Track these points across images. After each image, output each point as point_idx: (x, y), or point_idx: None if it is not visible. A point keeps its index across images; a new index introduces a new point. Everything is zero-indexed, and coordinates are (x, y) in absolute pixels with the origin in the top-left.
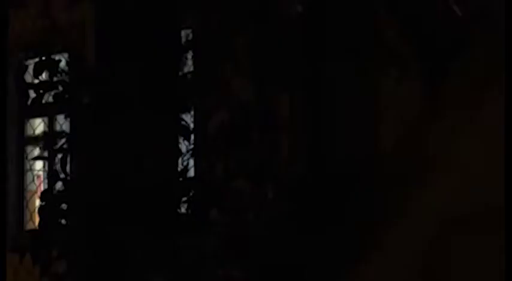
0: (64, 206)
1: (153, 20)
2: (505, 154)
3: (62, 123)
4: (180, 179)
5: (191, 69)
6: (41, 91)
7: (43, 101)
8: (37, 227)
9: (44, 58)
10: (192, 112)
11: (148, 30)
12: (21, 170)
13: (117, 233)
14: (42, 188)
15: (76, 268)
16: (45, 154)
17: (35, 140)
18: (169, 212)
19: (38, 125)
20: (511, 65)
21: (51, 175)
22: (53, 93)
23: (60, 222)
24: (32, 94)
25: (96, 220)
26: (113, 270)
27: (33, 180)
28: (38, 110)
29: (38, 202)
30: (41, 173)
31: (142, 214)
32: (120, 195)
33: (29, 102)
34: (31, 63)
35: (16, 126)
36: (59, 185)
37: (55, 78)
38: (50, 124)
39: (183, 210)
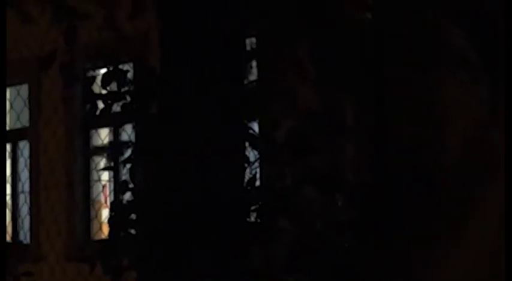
0: (133, 216)
1: (217, 28)
2: (505, 154)
3: (130, 133)
4: (249, 187)
5: (255, 77)
6: (109, 101)
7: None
8: (106, 237)
9: (111, 69)
10: (257, 121)
11: (213, 39)
12: (88, 181)
13: (186, 242)
14: (108, 198)
15: (146, 278)
16: (111, 164)
17: (101, 150)
18: (238, 221)
19: (106, 136)
20: (511, 66)
21: (121, 185)
22: (121, 103)
23: (130, 232)
24: (101, 105)
25: (165, 230)
26: (182, 279)
27: (102, 190)
28: (105, 120)
29: (104, 212)
30: (107, 183)
31: (211, 223)
32: (189, 204)
33: (98, 112)
34: (99, 74)
35: (81, 137)
36: (128, 195)
37: (123, 89)
38: (115, 134)
39: (252, 219)
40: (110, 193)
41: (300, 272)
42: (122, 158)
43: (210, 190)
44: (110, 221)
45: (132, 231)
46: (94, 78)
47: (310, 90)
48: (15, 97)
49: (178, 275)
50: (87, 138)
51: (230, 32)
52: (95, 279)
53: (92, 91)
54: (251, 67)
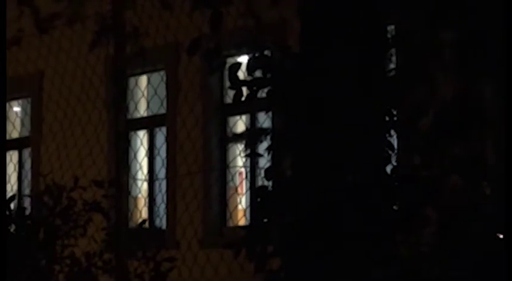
0: (278, 202)
1: (358, 15)
2: (506, 153)
3: (267, 120)
4: (394, 175)
5: (395, 65)
6: (254, 88)
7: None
8: (243, 224)
9: (257, 55)
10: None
11: (354, 25)
12: (223, 168)
13: (332, 230)
14: (244, 185)
15: (290, 265)
16: (249, 151)
17: (239, 137)
18: (384, 209)
19: (253, 122)
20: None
21: (267, 172)
22: (266, 90)
23: (275, 218)
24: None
25: (311, 217)
26: (327, 266)
27: (237, 177)
28: (243, 106)
29: (239, 199)
30: (242, 169)
31: (356, 211)
32: (334, 191)
33: (243, 99)
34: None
35: (217, 124)
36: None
37: (268, 75)
38: (252, 121)
39: (397, 207)
40: (246, 179)
41: (446, 261)
42: (260, 145)
43: (355, 177)
44: (255, 207)
45: (277, 218)
46: (240, 64)
47: (452, 77)
48: (159, 83)
49: (323, 263)
50: (224, 124)
51: (371, 19)
52: (239, 265)
53: (237, 77)
54: (391, 54)
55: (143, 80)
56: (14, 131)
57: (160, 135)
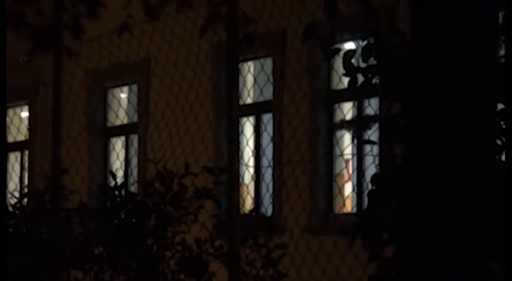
0: (393, 190)
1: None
2: (506, 153)
3: (375, 107)
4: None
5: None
6: (369, 75)
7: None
8: (348, 212)
9: (371, 42)
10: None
11: (466, 10)
12: (331, 156)
13: (447, 219)
14: (350, 172)
15: (405, 253)
16: (356, 138)
17: (347, 124)
18: (496, 198)
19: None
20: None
21: (382, 162)
22: (380, 77)
23: (389, 206)
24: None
25: (426, 205)
26: (441, 256)
27: (345, 165)
28: (350, 94)
29: (347, 187)
30: (349, 157)
31: (470, 200)
32: (449, 180)
33: (358, 85)
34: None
35: (325, 111)
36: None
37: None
38: (359, 108)
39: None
40: (353, 169)
41: None
42: (368, 132)
43: (468, 166)
44: (369, 194)
45: (392, 205)
46: (354, 51)
47: None
48: (259, 71)
49: (438, 251)
50: (331, 112)
51: (483, 4)
52: (353, 253)
53: (352, 64)
54: (502, 42)
55: (252, 66)
56: (123, 117)
57: (270, 122)
